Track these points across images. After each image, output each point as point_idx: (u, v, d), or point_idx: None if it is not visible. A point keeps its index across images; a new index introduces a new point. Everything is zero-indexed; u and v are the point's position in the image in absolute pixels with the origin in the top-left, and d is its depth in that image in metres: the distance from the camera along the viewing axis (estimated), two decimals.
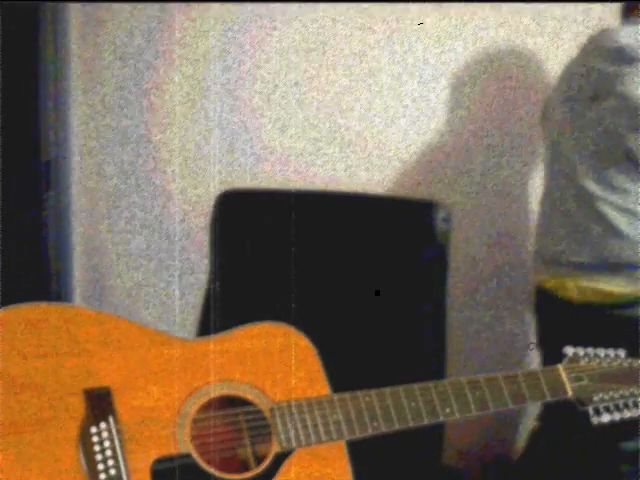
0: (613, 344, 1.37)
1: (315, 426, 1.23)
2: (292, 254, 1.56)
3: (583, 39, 1.80)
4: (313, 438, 1.22)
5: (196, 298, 1.86)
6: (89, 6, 2.13)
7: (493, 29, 2.08)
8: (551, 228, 1.85)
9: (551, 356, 1.49)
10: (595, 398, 1.33)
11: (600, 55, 1.71)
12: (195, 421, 1.19)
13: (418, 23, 2.03)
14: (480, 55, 2.10)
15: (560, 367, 1.35)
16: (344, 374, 1.27)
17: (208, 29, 2.10)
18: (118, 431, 1.13)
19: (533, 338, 1.96)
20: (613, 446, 1.72)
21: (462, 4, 2.05)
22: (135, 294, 2.22)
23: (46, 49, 2.12)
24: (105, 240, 2.22)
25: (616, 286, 1.70)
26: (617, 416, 1.33)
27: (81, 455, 1.11)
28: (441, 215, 1.70)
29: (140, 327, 1.22)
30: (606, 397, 1.33)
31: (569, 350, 1.36)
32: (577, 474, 1.78)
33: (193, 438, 1.18)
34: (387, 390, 1.27)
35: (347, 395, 1.26)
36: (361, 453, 1.25)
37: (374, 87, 2.11)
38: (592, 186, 1.71)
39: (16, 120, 1.98)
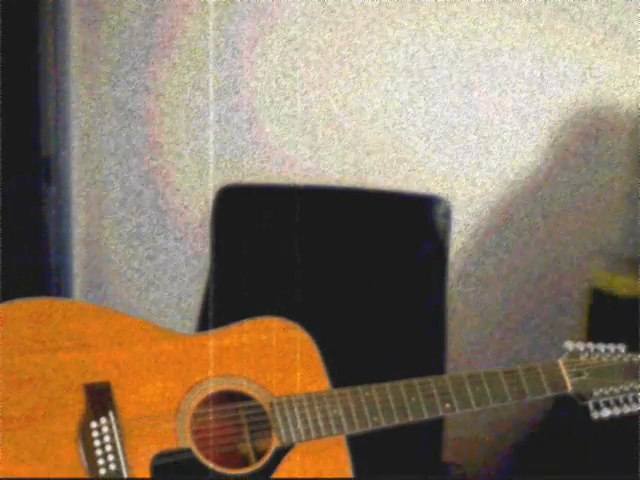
0: None
1: (315, 421, 1.23)
2: (297, 248, 1.56)
3: None
4: (313, 433, 1.22)
5: (196, 293, 1.86)
6: (89, 6, 2.13)
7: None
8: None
9: None
10: (595, 393, 1.33)
11: None
12: (195, 416, 1.19)
13: None
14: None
15: (560, 362, 1.35)
16: (344, 369, 1.27)
17: (207, 26, 2.09)
18: (118, 426, 1.13)
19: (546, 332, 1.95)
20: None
21: None
22: (135, 289, 2.22)
23: (46, 45, 2.12)
24: (105, 235, 2.22)
25: None
26: (617, 411, 1.33)
27: (81, 450, 1.11)
28: (441, 209, 1.70)
29: (140, 322, 1.22)
30: (606, 392, 1.34)
31: (569, 345, 1.36)
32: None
33: (193, 433, 1.18)
34: (387, 385, 1.27)
35: (347, 390, 1.26)
36: (361, 448, 1.26)
37: (372, 84, 2.11)
38: None
39: (16, 116, 1.98)
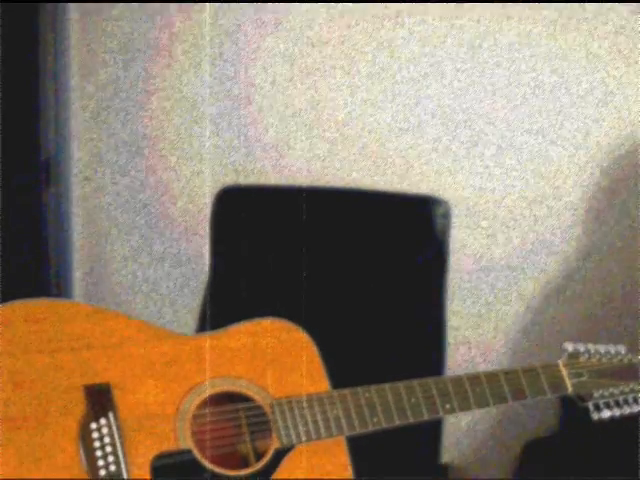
0: None
1: (315, 422, 1.23)
2: (297, 249, 1.56)
3: None
4: (313, 434, 1.22)
5: (196, 294, 1.86)
6: (89, 6, 2.13)
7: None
8: None
9: None
10: (595, 394, 1.33)
11: None
12: (195, 417, 1.19)
13: None
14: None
15: (560, 363, 1.35)
16: (344, 370, 1.27)
17: (206, 27, 2.09)
18: (118, 427, 1.13)
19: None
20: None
21: None
22: (135, 291, 2.22)
23: (46, 47, 2.12)
24: (105, 237, 2.22)
25: None
26: (617, 412, 1.33)
27: (81, 451, 1.11)
28: (440, 210, 1.70)
29: (140, 323, 1.22)
30: (606, 393, 1.33)
31: (569, 346, 1.36)
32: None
33: (193, 434, 1.18)
34: (387, 386, 1.27)
35: (347, 391, 1.26)
36: (361, 449, 1.26)
37: (372, 84, 2.11)
38: None
39: (16, 117, 1.98)
